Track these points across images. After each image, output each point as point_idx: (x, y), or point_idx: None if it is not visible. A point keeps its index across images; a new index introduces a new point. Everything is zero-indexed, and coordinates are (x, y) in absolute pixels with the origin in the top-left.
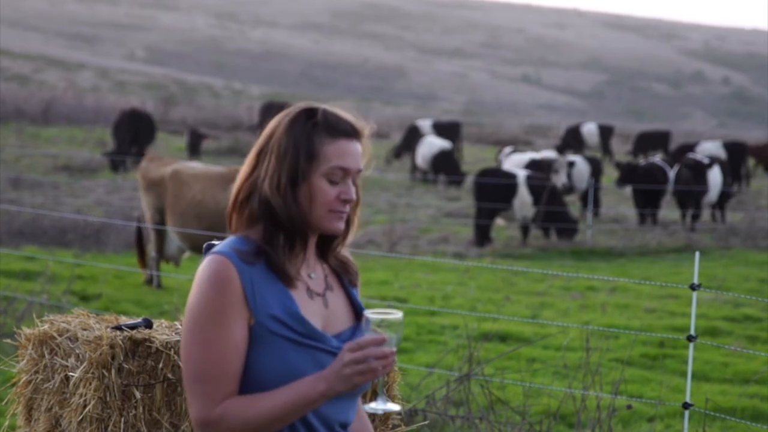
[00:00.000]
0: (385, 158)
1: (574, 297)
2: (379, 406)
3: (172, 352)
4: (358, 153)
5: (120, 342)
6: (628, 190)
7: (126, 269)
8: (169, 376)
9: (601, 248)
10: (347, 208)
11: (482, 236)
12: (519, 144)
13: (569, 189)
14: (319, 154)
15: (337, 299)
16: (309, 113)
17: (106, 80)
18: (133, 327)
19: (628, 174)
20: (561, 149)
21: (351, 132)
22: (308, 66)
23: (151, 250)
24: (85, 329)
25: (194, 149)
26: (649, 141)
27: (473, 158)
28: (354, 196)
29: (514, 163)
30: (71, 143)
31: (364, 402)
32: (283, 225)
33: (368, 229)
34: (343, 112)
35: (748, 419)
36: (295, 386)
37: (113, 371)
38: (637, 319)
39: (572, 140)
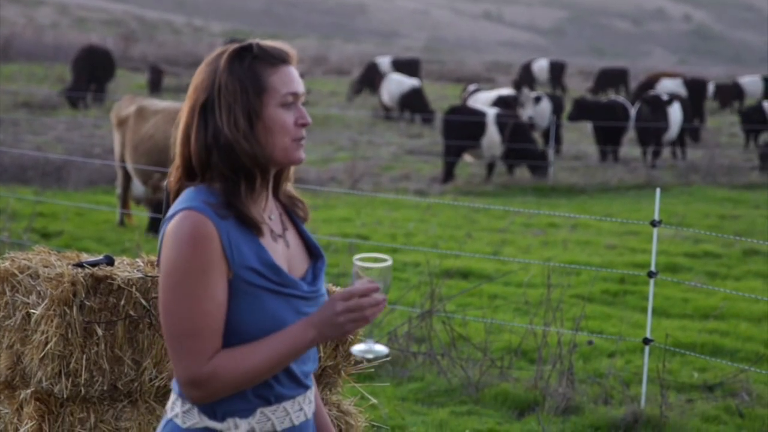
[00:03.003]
0: (347, 95)
1: (535, 234)
2: (368, 348)
3: (133, 290)
4: (298, 76)
5: (81, 279)
6: (589, 126)
7: (87, 206)
8: (131, 313)
9: (562, 185)
10: (305, 134)
11: (448, 173)
12: (481, 81)
13: (533, 124)
14: (268, 86)
15: (293, 238)
16: (242, 50)
17: (66, 16)
18: (94, 264)
19: (580, 109)
20: (519, 86)
21: (287, 58)
22: (269, 3)
23: (118, 187)
24: (46, 266)
25: (155, 86)
26: (610, 78)
27: (435, 96)
28: (309, 119)
29: (481, 100)
30: (31, 80)
31: (351, 345)
32: (243, 170)
33: (330, 166)
34: (271, 41)
35: (707, 354)
36: (284, 335)
37: (75, 308)
38: (598, 255)
39: (525, 77)
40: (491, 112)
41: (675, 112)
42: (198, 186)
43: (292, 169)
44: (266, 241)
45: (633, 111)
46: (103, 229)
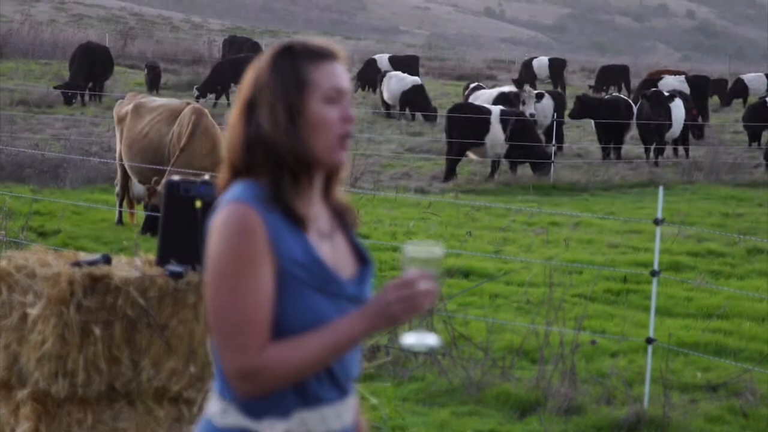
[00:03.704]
0: None
1: (537, 232)
2: (418, 342)
3: (131, 289)
4: (345, 73)
5: (79, 278)
6: (591, 124)
7: (84, 205)
8: (129, 312)
9: (564, 183)
10: (350, 130)
11: (450, 171)
12: (482, 78)
13: (536, 122)
14: (310, 81)
15: (341, 242)
16: (286, 48)
17: (63, 13)
18: (91, 263)
19: (582, 106)
20: (519, 83)
21: (331, 55)
22: None
23: (117, 185)
24: (43, 266)
25: (154, 84)
26: (610, 75)
27: (436, 93)
28: (354, 115)
29: (483, 98)
30: (28, 77)
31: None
32: (287, 167)
33: None
34: (319, 39)
35: (710, 354)
36: (335, 327)
37: (72, 308)
38: (601, 254)
39: (526, 74)
40: (496, 110)
41: (677, 109)
42: (246, 181)
43: (343, 173)
44: (312, 238)
45: (636, 108)
46: (100, 227)
